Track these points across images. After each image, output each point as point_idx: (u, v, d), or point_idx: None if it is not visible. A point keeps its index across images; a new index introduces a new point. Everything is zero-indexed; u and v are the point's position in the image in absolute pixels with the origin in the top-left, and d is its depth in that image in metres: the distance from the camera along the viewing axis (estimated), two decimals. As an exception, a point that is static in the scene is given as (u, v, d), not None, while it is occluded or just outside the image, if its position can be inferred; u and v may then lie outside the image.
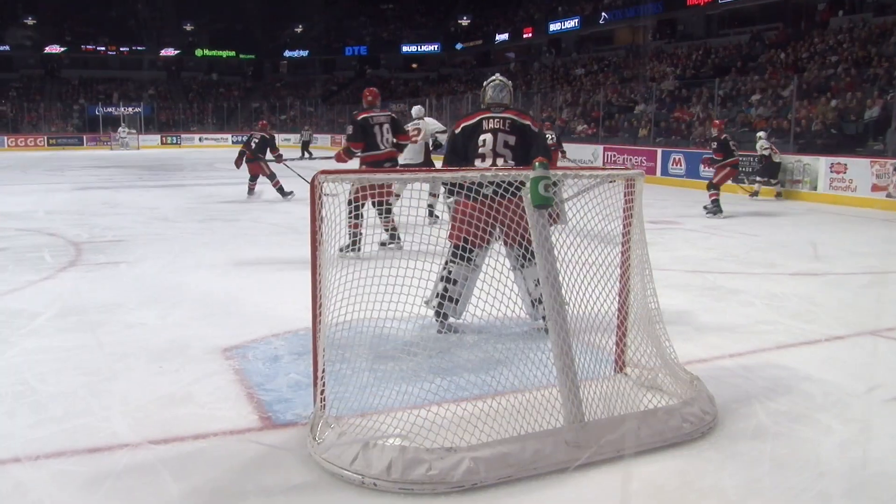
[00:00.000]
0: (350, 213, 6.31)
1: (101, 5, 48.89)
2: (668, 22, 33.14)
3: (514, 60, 42.71)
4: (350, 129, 7.48)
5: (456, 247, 4.33)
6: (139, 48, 50.84)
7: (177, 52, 51.66)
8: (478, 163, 4.56)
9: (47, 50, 48.27)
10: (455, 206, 4.44)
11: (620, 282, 3.66)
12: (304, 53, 54.24)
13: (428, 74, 49.91)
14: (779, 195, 14.37)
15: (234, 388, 3.70)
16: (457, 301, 4.42)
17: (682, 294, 5.75)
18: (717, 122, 12.24)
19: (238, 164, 13.49)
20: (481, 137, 4.57)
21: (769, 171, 14.47)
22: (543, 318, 3.69)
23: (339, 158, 7.77)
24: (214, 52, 53.18)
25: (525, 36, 42.38)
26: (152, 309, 5.29)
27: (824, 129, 16.46)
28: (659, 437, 3.06)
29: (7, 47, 47.30)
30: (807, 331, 4.84)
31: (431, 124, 10.27)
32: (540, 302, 4.06)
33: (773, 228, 10.14)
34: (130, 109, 42.76)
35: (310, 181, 3.12)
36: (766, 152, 14.45)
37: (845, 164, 13.39)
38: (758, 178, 14.66)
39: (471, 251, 4.27)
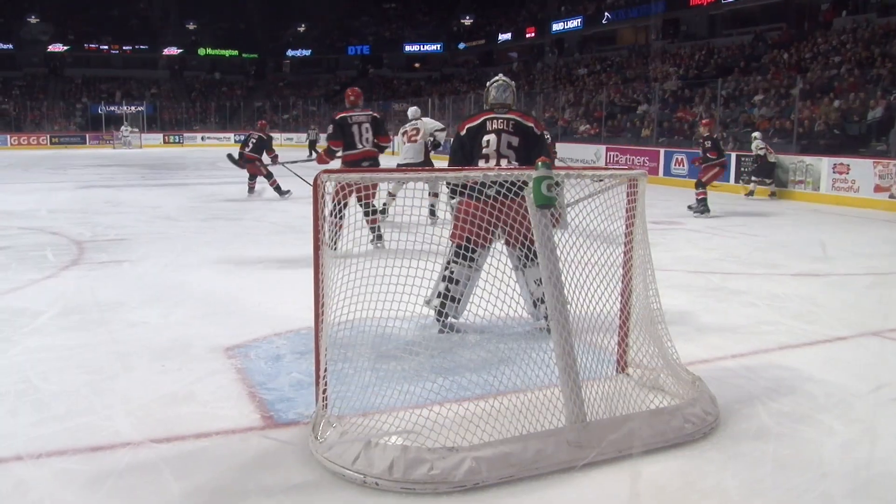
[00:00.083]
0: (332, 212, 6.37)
1: (104, 4, 48.98)
2: (671, 22, 33.10)
3: (517, 60, 42.70)
4: (330, 129, 7.65)
5: (458, 247, 4.33)
6: (142, 47, 50.89)
7: (180, 51, 51.69)
8: (481, 163, 4.56)
9: (51, 48, 48.31)
10: (458, 206, 4.44)
11: (623, 282, 3.66)
12: (307, 53, 54.25)
13: (430, 74, 49.91)
14: (773, 195, 14.49)
15: (236, 387, 3.70)
16: (458, 301, 4.42)
17: (684, 294, 5.75)
18: (706, 121, 12.22)
19: (240, 164, 13.59)
20: (485, 138, 4.57)
21: (764, 170, 14.59)
22: (545, 317, 3.68)
23: (320, 160, 7.86)
24: (217, 52, 53.20)
25: (528, 36, 42.37)
26: (155, 308, 5.29)
27: (827, 130, 16.44)
28: (661, 438, 3.05)
29: (11, 45, 47.37)
30: (809, 331, 4.83)
31: (430, 123, 10.30)
32: (542, 302, 4.06)
33: (775, 229, 10.13)
34: (133, 108, 42.83)
35: (311, 181, 3.12)
36: (761, 152, 14.58)
37: (848, 165, 13.37)
38: (753, 178, 14.78)
39: (473, 251, 4.27)
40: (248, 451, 2.99)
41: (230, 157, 13.90)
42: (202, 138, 40.78)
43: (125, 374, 3.89)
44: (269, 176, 13.26)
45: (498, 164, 4.53)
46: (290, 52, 54.78)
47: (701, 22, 31.53)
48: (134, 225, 9.70)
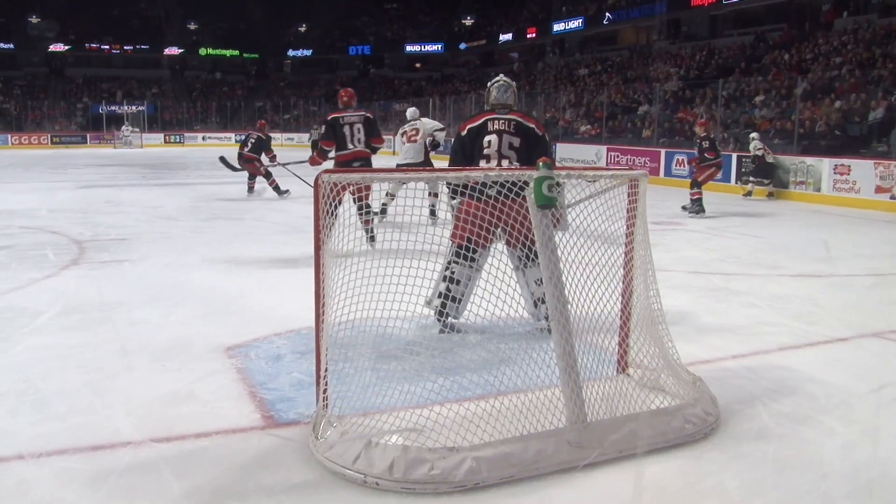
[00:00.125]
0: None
1: (105, 4, 48.98)
2: (672, 22, 33.09)
3: (518, 60, 42.70)
4: (322, 129, 7.71)
5: (459, 247, 4.33)
6: (143, 47, 50.87)
7: (181, 50, 51.69)
8: (482, 164, 4.56)
9: (51, 48, 48.32)
10: (459, 207, 4.44)
11: (623, 282, 3.66)
12: (308, 53, 54.24)
13: (431, 74, 49.91)
14: (770, 195, 14.53)
15: (236, 386, 3.71)
16: (459, 301, 4.43)
17: (684, 295, 5.75)
18: (703, 121, 12.20)
19: (232, 167, 13.58)
20: (486, 139, 4.57)
21: (762, 171, 14.63)
22: (546, 318, 3.68)
23: (312, 161, 7.87)
24: (218, 51, 53.18)
25: (529, 36, 42.34)
26: (155, 307, 5.30)
27: (828, 131, 16.44)
28: (661, 438, 3.05)
29: (11, 45, 47.39)
30: (810, 332, 4.83)
31: (429, 124, 10.34)
32: (542, 302, 4.07)
33: (776, 230, 10.13)
34: (134, 108, 42.82)
35: (311, 181, 3.12)
36: (759, 153, 14.62)
37: (849, 166, 13.36)
38: (751, 179, 14.82)
39: (474, 251, 4.28)
40: (248, 451, 2.99)
41: (222, 159, 13.76)
42: (203, 138, 40.76)
43: (126, 374, 3.89)
44: (268, 175, 13.28)
45: (499, 164, 4.53)
46: (291, 52, 54.78)
47: (702, 22, 31.51)
48: (134, 224, 9.70)
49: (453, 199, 4.59)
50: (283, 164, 12.29)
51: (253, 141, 13.44)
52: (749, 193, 14.70)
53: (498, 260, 3.80)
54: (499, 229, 3.96)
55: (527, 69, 39.44)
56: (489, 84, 4.86)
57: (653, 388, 3.53)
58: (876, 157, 13.74)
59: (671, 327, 3.67)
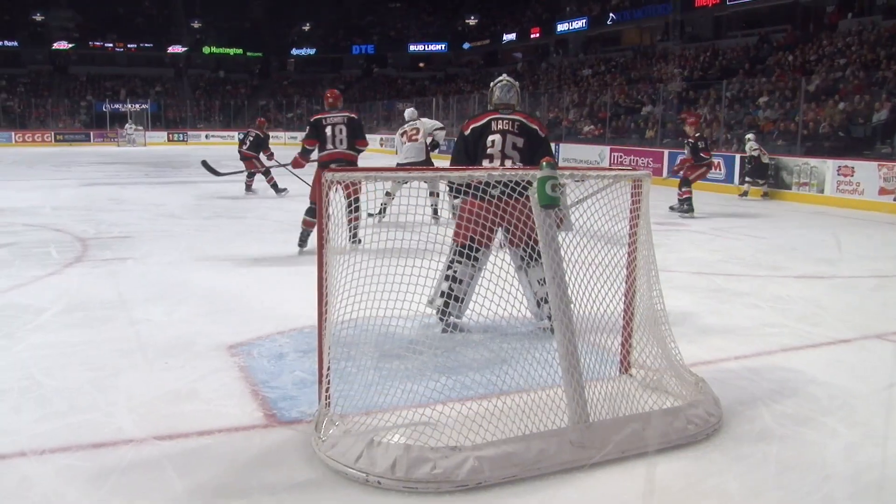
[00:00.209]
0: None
1: (109, 2, 49.02)
2: (675, 23, 33.05)
3: (522, 60, 42.66)
4: (307, 129, 7.70)
5: (462, 246, 4.33)
6: (147, 45, 50.90)
7: (184, 49, 51.71)
8: (485, 164, 4.55)
9: (55, 46, 48.38)
10: (461, 206, 4.44)
11: (626, 283, 3.66)
12: (312, 52, 54.27)
13: (435, 74, 49.89)
14: (765, 195, 14.59)
15: (238, 385, 3.71)
16: (462, 300, 4.42)
17: (687, 296, 5.74)
18: (692, 119, 12.05)
19: (215, 172, 13.45)
20: (490, 138, 4.57)
21: (758, 171, 14.68)
22: (548, 317, 3.68)
23: (295, 163, 7.87)
24: (222, 50, 53.20)
25: (532, 36, 42.32)
26: (158, 305, 5.30)
27: (832, 132, 16.41)
28: (663, 439, 3.05)
29: (15, 43, 47.46)
30: (813, 334, 4.83)
31: (429, 123, 10.36)
32: (545, 301, 4.06)
33: (779, 231, 10.11)
34: (137, 106, 42.86)
35: (309, 180, 3.13)
36: (755, 153, 14.64)
37: (853, 167, 13.34)
38: (747, 179, 14.88)
39: (477, 251, 4.27)
40: (250, 449, 3.00)
41: (204, 163, 13.10)
42: (206, 136, 40.82)
43: (128, 371, 3.90)
44: (266, 173, 13.30)
45: (502, 164, 4.53)
46: (294, 51, 54.81)
47: (706, 23, 31.46)
48: (137, 222, 9.72)
49: (455, 198, 4.59)
50: (283, 165, 12.29)
51: (251, 139, 13.51)
52: (745, 193, 14.80)
53: (501, 259, 3.80)
54: (501, 228, 3.96)
55: (530, 69, 39.40)
56: (492, 84, 4.86)
57: (655, 388, 3.53)
58: (880, 159, 13.70)
59: (674, 328, 3.66)
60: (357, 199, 5.49)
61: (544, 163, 3.08)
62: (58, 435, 3.08)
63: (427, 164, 9.83)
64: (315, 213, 7.31)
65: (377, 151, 29.43)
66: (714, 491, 2.75)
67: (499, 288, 3.44)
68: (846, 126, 16.36)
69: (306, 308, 3.92)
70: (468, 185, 3.76)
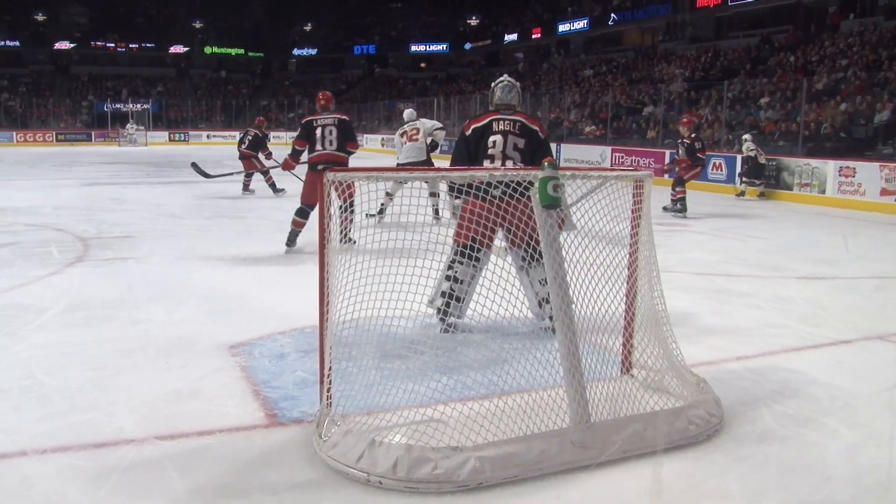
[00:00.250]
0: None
1: (111, 2, 49.05)
2: (677, 24, 33.04)
3: (523, 61, 42.67)
4: (299, 130, 7.74)
5: (463, 246, 4.33)
6: (148, 45, 50.97)
7: (186, 49, 51.78)
8: (486, 164, 4.56)
9: (57, 46, 48.42)
10: (462, 206, 4.44)
11: (628, 283, 3.66)
12: (313, 52, 54.31)
13: (436, 74, 49.91)
14: (762, 195, 14.66)
15: (240, 384, 3.71)
16: (462, 300, 4.43)
17: (688, 296, 5.74)
18: (685, 120, 11.99)
19: (205, 174, 13.50)
20: (491, 139, 4.57)
21: (755, 172, 14.74)
22: (550, 317, 3.68)
23: (286, 164, 7.91)
24: (223, 50, 53.26)
25: (534, 36, 42.31)
26: (159, 305, 5.30)
27: (833, 133, 16.41)
28: (665, 439, 3.05)
29: (17, 43, 47.50)
30: (814, 334, 4.82)
31: (428, 123, 10.36)
32: (546, 301, 4.06)
33: (781, 231, 10.10)
34: (139, 106, 42.90)
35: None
36: (751, 153, 14.69)
37: (854, 168, 13.33)
38: (744, 179, 14.95)
39: (478, 251, 4.28)
40: (251, 449, 3.00)
41: (194, 165, 13.17)
42: (207, 136, 40.84)
43: (129, 371, 3.90)
44: (265, 173, 13.33)
45: (503, 165, 4.53)
46: (295, 51, 54.86)
47: (707, 24, 31.44)
48: (139, 222, 9.72)
49: (456, 198, 4.59)
50: (275, 166, 12.30)
51: (250, 138, 13.56)
52: (742, 193, 14.87)
53: (503, 259, 3.80)
54: (503, 229, 3.96)
55: (532, 69, 39.41)
56: (493, 84, 4.86)
57: (656, 389, 3.52)
58: (881, 160, 13.70)
59: (675, 328, 3.66)
60: (352, 203, 5.50)
61: (546, 163, 3.08)
62: (59, 434, 3.08)
63: (427, 164, 9.83)
64: (305, 214, 7.33)
65: (379, 152, 29.47)
66: (715, 492, 2.75)
67: (500, 288, 3.44)
68: (848, 127, 16.36)
69: (307, 308, 3.92)
70: (470, 186, 3.76)
